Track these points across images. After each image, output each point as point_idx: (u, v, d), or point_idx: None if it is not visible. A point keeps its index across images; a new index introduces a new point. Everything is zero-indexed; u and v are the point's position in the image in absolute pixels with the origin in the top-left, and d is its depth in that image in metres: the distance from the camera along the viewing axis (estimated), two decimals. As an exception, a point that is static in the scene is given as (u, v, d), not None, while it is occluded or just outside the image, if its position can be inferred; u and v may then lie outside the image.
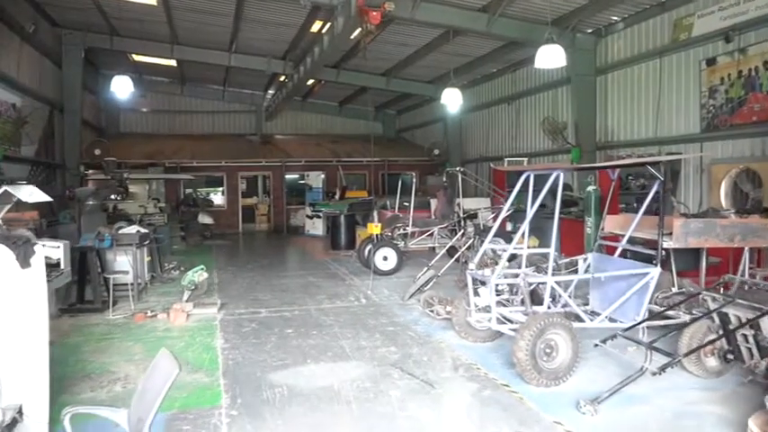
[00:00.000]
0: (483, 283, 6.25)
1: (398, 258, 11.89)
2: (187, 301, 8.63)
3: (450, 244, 11.00)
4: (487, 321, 6.22)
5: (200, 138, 24.94)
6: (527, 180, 6.59)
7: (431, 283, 9.35)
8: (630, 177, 12.13)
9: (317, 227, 20.27)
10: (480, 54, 16.80)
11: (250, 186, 27.06)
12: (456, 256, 10.06)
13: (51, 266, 6.78)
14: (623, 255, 6.90)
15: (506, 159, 17.32)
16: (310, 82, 22.12)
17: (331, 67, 18.98)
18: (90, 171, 18.71)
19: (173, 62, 21.20)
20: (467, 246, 10.03)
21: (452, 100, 15.38)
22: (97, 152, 17.55)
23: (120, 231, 10.50)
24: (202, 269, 9.00)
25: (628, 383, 4.94)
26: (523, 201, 8.19)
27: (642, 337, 5.76)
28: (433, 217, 14.36)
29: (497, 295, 6.21)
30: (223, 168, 22.69)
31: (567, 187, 13.50)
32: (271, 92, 24.41)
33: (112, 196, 15.17)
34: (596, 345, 5.43)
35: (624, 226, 7.13)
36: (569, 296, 6.42)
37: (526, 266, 6.61)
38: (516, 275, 6.42)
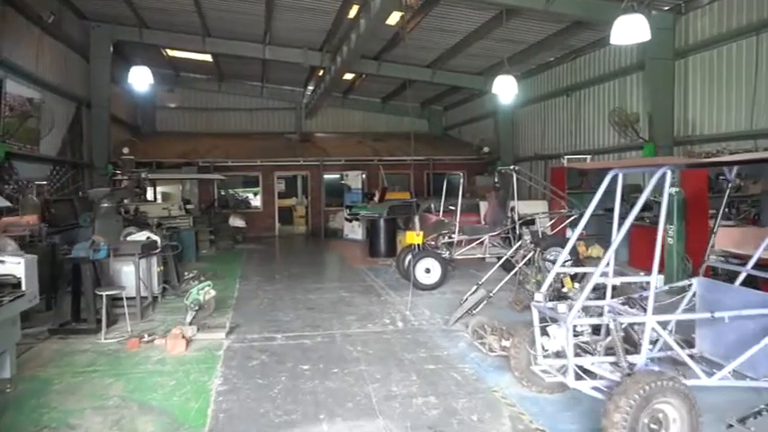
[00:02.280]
0: (554, 321, 4.63)
1: (442, 271, 10.34)
2: (190, 323, 7.32)
3: (505, 257, 9.33)
4: (561, 373, 4.60)
5: (237, 136, 24.01)
6: (613, 180, 4.97)
7: (481, 306, 7.76)
8: (721, 177, 10.21)
9: (356, 231, 18.94)
10: (536, 40, 15.11)
11: (289, 187, 26.03)
12: (513, 271, 8.39)
13: (13, 286, 5.60)
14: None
15: (566, 157, 15.47)
16: (351, 76, 20.83)
17: (371, 59, 17.63)
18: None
19: (208, 57, 20.29)
20: (525, 260, 8.34)
21: (505, 89, 13.60)
22: (125, 151, 16.63)
23: (127, 238, 9.39)
24: (209, 286, 7.69)
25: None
26: (585, 204, 6.67)
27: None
28: (482, 222, 12.68)
29: (574, 337, 4.58)
30: (258, 168, 21.53)
31: (636, 188, 11.68)
32: (310, 88, 23.23)
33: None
34: (730, 425, 3.74)
35: (742, 243, 5.39)
36: (669, 334, 4.74)
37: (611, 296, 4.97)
38: (599, 309, 4.79)
